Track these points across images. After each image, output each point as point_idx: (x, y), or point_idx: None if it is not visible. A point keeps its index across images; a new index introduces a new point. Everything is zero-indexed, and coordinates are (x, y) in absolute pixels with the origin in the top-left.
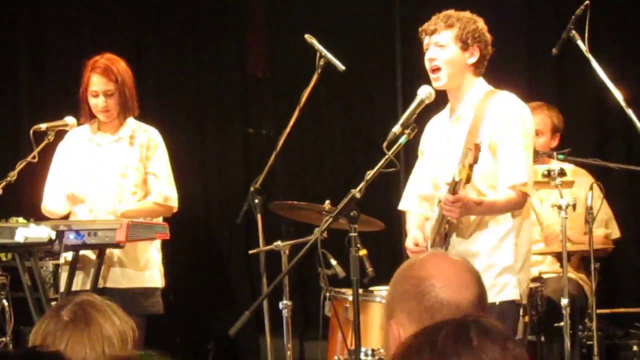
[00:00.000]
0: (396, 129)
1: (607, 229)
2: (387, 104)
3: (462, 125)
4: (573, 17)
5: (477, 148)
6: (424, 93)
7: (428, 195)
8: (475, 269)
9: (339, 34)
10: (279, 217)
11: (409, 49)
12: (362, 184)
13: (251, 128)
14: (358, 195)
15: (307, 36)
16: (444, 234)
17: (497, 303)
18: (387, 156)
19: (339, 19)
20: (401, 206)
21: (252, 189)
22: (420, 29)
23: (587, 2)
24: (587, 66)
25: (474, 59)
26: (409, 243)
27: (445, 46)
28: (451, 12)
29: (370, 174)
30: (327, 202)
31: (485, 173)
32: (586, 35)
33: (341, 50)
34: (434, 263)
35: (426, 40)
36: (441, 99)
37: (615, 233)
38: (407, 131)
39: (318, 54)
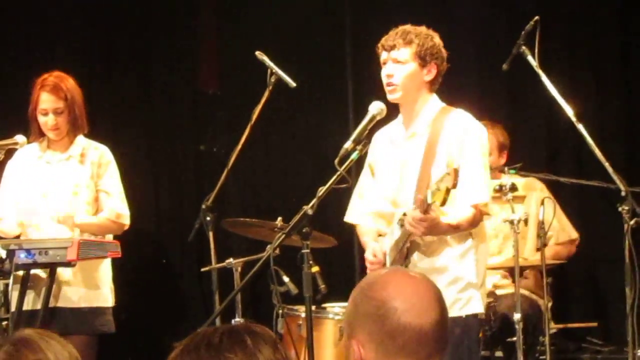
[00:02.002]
0: (348, 145)
1: (560, 239)
2: (339, 120)
3: (418, 142)
4: (523, 32)
5: (456, 172)
6: (376, 109)
7: (386, 213)
8: (435, 286)
9: (289, 49)
10: (231, 234)
11: (360, 64)
12: (314, 201)
13: (203, 145)
14: (310, 212)
15: (257, 53)
16: (405, 252)
17: (464, 316)
18: (339, 172)
19: (290, 35)
20: (350, 218)
21: (203, 206)
22: (378, 44)
23: (536, 17)
24: (538, 81)
25: (430, 76)
26: (368, 254)
27: (404, 63)
28: (409, 27)
29: (322, 190)
30: (280, 218)
31: None
32: (536, 50)
33: (292, 67)
34: (396, 283)
35: (384, 55)
36: (389, 112)
37: (573, 234)
38: (358, 147)
39: (269, 71)
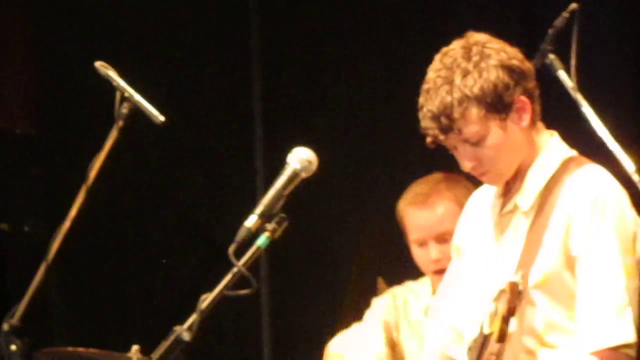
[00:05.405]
0: (251, 222)
1: None
2: (239, 181)
3: (519, 224)
4: (550, 31)
5: (514, 289)
6: (299, 160)
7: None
8: None
9: (159, 69)
10: None
11: (274, 87)
12: (193, 317)
13: (6, 222)
14: (187, 337)
15: (98, 64)
16: None
17: None
18: (235, 269)
19: (160, 46)
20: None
21: (6, 326)
22: (423, 131)
23: (573, 5)
24: (574, 112)
25: (527, 117)
26: None
27: (479, 140)
28: (437, 72)
29: (206, 300)
30: (135, 348)
31: (562, 306)
32: (572, 61)
33: (166, 98)
34: None
35: (440, 140)
36: None
37: None
38: (269, 225)
39: (118, 95)
